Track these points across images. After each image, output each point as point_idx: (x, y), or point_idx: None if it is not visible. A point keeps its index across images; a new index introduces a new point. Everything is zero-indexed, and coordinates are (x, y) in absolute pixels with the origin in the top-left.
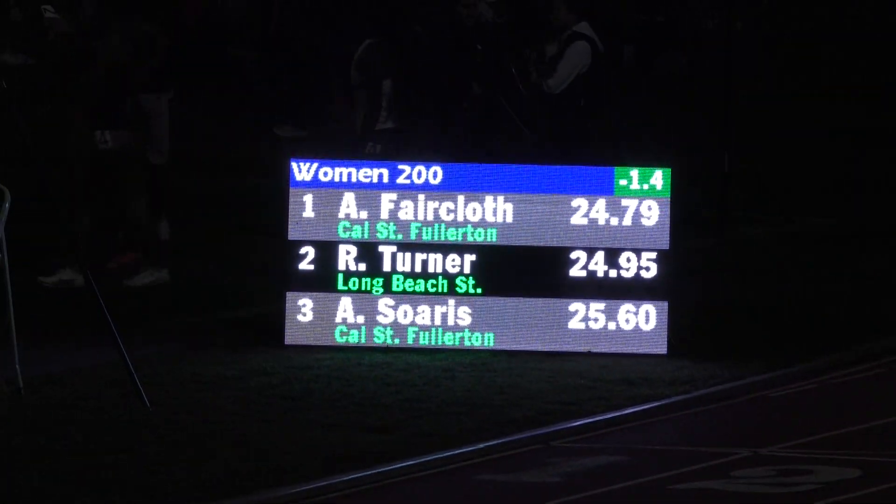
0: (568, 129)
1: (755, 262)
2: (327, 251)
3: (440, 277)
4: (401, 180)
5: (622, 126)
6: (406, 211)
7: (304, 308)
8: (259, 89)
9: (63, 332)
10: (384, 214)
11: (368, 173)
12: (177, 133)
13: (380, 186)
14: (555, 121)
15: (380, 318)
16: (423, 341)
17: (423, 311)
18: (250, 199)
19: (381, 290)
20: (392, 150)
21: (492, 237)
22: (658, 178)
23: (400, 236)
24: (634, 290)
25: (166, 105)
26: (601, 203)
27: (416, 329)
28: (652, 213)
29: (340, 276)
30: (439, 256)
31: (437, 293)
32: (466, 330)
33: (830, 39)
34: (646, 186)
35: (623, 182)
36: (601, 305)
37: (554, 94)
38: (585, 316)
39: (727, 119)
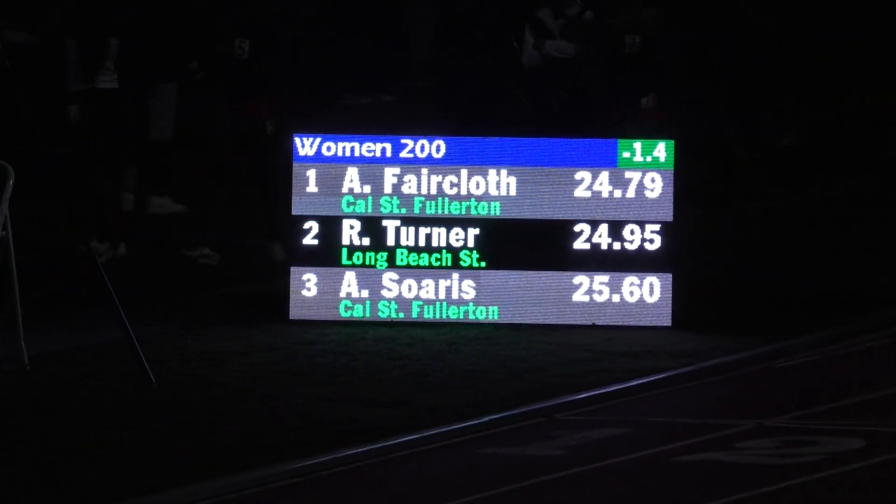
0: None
1: (759, 235)
2: (331, 226)
3: (444, 251)
4: (404, 154)
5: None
6: (409, 185)
7: (309, 283)
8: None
9: (68, 311)
10: (388, 189)
11: (371, 147)
12: (180, 108)
13: (383, 161)
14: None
15: (384, 293)
16: (428, 315)
17: (428, 285)
18: (254, 174)
19: (385, 264)
20: None
21: (495, 211)
22: (661, 150)
23: (403, 210)
24: (638, 262)
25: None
26: (604, 175)
27: (421, 303)
28: (655, 185)
29: (344, 251)
30: (443, 230)
31: (440, 267)
32: (470, 304)
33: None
34: (649, 158)
35: (626, 154)
36: (605, 278)
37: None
38: (589, 289)
39: (732, 93)
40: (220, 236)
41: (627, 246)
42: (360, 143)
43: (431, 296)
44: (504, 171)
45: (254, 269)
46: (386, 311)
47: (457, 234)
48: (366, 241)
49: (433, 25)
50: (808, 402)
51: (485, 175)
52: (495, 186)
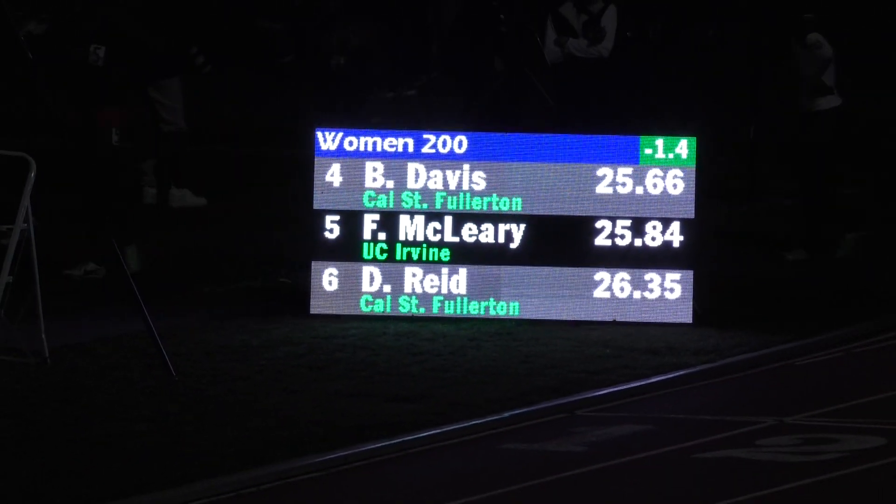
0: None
1: (781, 231)
2: (353, 220)
3: (465, 247)
4: (426, 149)
5: (649, 97)
6: (431, 180)
7: (330, 277)
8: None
9: (90, 303)
10: (409, 183)
11: (394, 142)
12: (203, 103)
13: (405, 156)
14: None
15: (405, 288)
16: (449, 310)
17: (449, 281)
18: (276, 168)
19: (407, 259)
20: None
21: (517, 206)
22: (683, 147)
23: (425, 205)
24: (660, 259)
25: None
26: (626, 172)
27: (441, 298)
28: (677, 182)
29: (366, 246)
30: (464, 226)
31: (462, 262)
32: (491, 299)
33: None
34: (671, 155)
35: (648, 151)
36: (626, 274)
37: (606, 57)
38: (610, 285)
39: (754, 89)
40: (240, 229)
41: (649, 242)
42: (383, 138)
43: (452, 291)
44: (526, 167)
45: (275, 263)
46: (407, 307)
47: (479, 229)
48: (387, 236)
49: (455, 19)
50: (829, 400)
51: (507, 170)
52: (517, 182)
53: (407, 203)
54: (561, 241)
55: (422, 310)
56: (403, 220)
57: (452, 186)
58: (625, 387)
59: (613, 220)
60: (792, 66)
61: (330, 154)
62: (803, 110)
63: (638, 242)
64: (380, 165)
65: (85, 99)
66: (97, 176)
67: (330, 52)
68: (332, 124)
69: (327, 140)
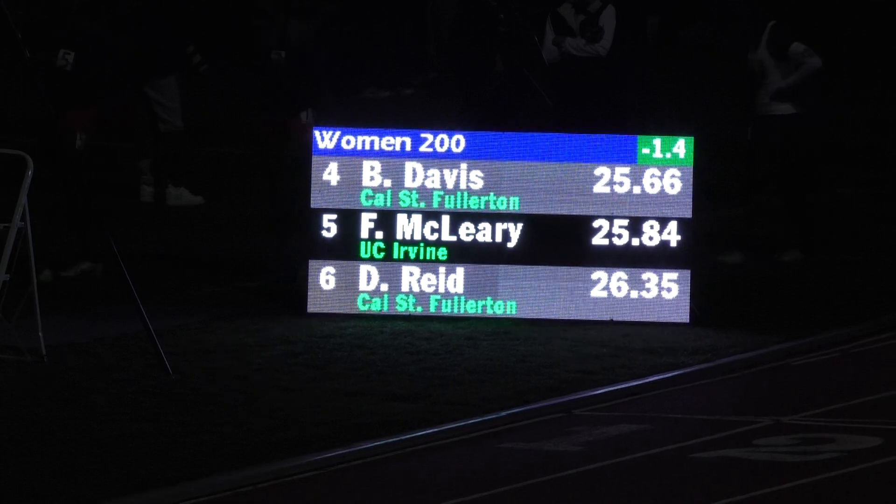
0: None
1: (778, 232)
2: (350, 219)
3: (462, 246)
4: (423, 148)
5: (646, 97)
6: (429, 179)
7: (327, 276)
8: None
9: (87, 302)
10: (407, 182)
11: (391, 141)
12: (198, 101)
13: (402, 155)
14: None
15: (402, 286)
16: (446, 309)
17: (446, 280)
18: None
19: (404, 258)
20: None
21: (514, 206)
22: (681, 146)
23: (423, 204)
24: (657, 258)
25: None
26: (624, 171)
27: (439, 297)
28: (675, 182)
29: (363, 245)
30: (462, 225)
31: (459, 261)
32: (489, 298)
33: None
34: (668, 155)
35: (646, 151)
36: (624, 274)
37: (603, 56)
38: (608, 284)
39: (752, 91)
40: (237, 228)
41: (646, 242)
42: (380, 137)
43: (449, 290)
44: (524, 166)
45: (271, 263)
46: (404, 305)
47: (476, 228)
48: (384, 235)
49: (453, 19)
50: (825, 400)
51: (504, 170)
52: (515, 181)
53: (404, 202)
54: (558, 240)
55: (419, 309)
56: (401, 218)
57: (450, 185)
58: (622, 386)
59: (611, 219)
60: (756, 70)
61: (328, 153)
62: (759, 112)
63: (635, 242)
64: (377, 164)
65: (54, 102)
66: (63, 177)
67: (269, 47)
68: (329, 123)
69: (325, 139)
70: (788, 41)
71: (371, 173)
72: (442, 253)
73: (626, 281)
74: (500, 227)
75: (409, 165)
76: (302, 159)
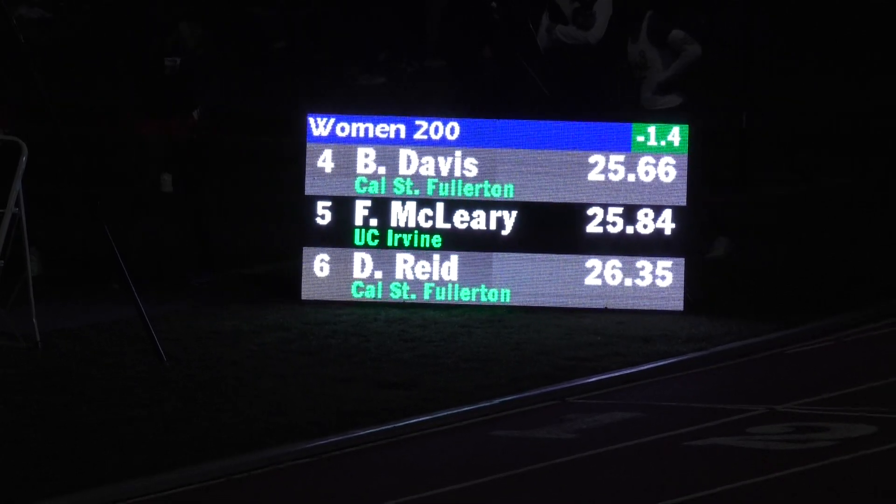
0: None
1: (773, 221)
2: (344, 206)
3: (457, 233)
4: (418, 136)
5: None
6: (423, 166)
7: (321, 263)
8: (278, 47)
9: (81, 288)
10: (401, 170)
11: (386, 129)
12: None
13: (397, 142)
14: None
15: (397, 274)
16: (440, 297)
17: (440, 267)
18: (268, 154)
19: (398, 245)
20: None
21: (509, 193)
22: (675, 134)
23: (417, 192)
24: (651, 246)
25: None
26: (618, 159)
27: (433, 285)
28: (669, 170)
29: (357, 232)
30: (456, 212)
31: (453, 249)
32: (483, 286)
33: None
34: (663, 143)
35: (640, 138)
36: (618, 262)
37: (592, 44)
38: (602, 272)
39: (746, 78)
40: (232, 216)
41: (641, 230)
42: (375, 124)
43: (444, 277)
44: (518, 154)
45: (266, 250)
46: (398, 293)
47: (470, 216)
48: (379, 222)
49: (448, 5)
50: (820, 388)
51: (499, 157)
52: (509, 169)
53: (399, 189)
54: (553, 228)
55: (413, 296)
56: (395, 206)
57: (444, 173)
58: (616, 374)
59: (605, 207)
60: (638, 62)
61: (322, 140)
62: (645, 107)
63: (630, 230)
64: (372, 151)
65: (156, 109)
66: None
67: (164, 53)
68: (323, 109)
69: (319, 126)
70: (667, 28)
71: (365, 160)
72: (436, 240)
73: (620, 269)
74: (494, 214)
75: (404, 153)
76: (201, 146)
